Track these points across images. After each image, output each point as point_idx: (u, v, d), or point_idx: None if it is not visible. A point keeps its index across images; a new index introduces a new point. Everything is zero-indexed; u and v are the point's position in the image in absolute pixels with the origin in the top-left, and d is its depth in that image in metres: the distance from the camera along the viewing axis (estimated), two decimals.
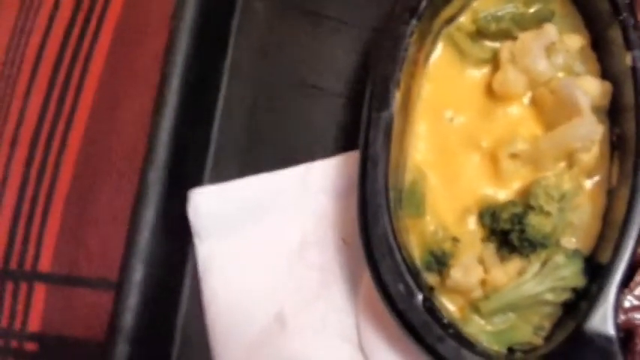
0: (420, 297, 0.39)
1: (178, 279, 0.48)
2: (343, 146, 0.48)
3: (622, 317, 0.40)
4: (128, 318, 0.44)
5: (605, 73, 0.45)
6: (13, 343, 0.51)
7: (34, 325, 0.50)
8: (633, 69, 0.41)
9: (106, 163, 0.52)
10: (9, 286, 0.52)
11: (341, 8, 0.52)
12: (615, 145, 0.43)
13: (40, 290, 0.51)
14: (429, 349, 0.39)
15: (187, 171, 0.49)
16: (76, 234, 0.51)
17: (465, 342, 0.39)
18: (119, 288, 0.45)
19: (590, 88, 0.43)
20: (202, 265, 0.47)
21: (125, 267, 0.45)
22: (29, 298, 0.51)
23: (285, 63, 0.51)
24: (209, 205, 0.47)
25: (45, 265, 0.51)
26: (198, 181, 0.50)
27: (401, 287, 0.39)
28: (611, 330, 0.38)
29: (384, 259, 0.40)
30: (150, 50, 0.53)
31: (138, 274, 0.45)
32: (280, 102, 0.51)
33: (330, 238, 0.47)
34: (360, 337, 0.45)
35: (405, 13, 0.43)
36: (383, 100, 0.42)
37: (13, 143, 0.54)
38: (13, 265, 0.52)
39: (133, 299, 0.44)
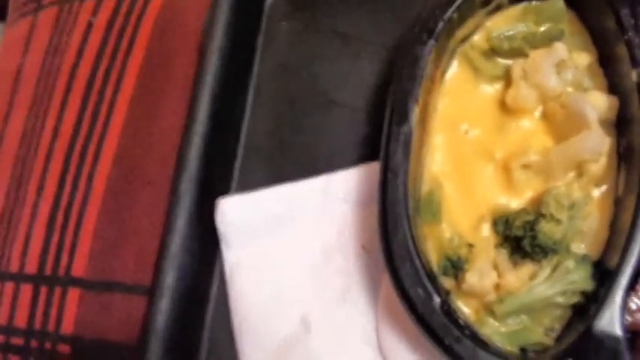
0: (437, 300, 0.41)
1: (207, 284, 0.51)
2: (363, 157, 0.51)
3: (629, 319, 0.42)
4: (160, 320, 0.47)
5: (613, 87, 0.47)
6: (47, 345, 0.53)
7: (67, 327, 0.53)
8: (639, 85, 0.44)
9: (138, 174, 0.54)
10: (43, 290, 0.54)
11: (360, 28, 0.54)
12: (622, 155, 0.45)
13: (73, 294, 0.53)
14: (446, 349, 0.41)
15: (215, 182, 0.51)
16: (110, 241, 0.53)
17: (481, 342, 0.41)
18: (152, 292, 0.48)
19: (598, 103, 0.46)
20: (229, 270, 0.50)
21: (158, 272, 0.48)
22: (63, 302, 0.53)
23: (308, 79, 0.54)
24: (236, 213, 0.50)
25: (79, 270, 0.53)
26: (225, 191, 0.52)
27: (420, 291, 0.41)
28: (618, 331, 0.40)
29: (403, 264, 0.42)
30: (181, 68, 0.56)
31: (170, 279, 0.47)
32: (303, 116, 0.53)
33: (351, 245, 0.49)
34: (380, 340, 0.47)
35: (423, 33, 0.46)
36: (402, 116, 0.44)
37: (49, 155, 0.57)
38: (48, 270, 0.54)
39: (165, 303, 0.47)
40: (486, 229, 0.46)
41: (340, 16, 0.55)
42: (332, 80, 0.53)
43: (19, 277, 0.55)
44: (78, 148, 0.56)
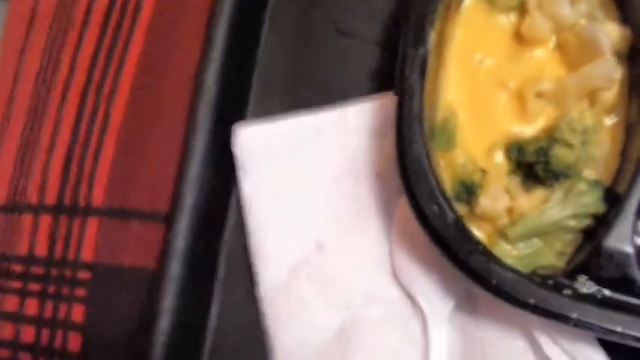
0: (452, 217, 0.42)
1: (223, 208, 0.52)
2: (378, 88, 0.51)
3: (638, 241, 0.43)
4: (180, 241, 0.48)
5: (625, 20, 0.47)
6: (67, 272, 0.54)
7: (87, 255, 0.54)
8: None
9: (155, 104, 0.55)
10: (63, 221, 0.55)
11: None
12: (633, 86, 0.46)
13: (92, 223, 0.54)
14: (460, 264, 0.42)
15: (232, 108, 0.52)
16: (127, 170, 0.54)
17: (494, 258, 0.42)
18: (171, 215, 0.49)
19: (611, 33, 0.46)
20: (245, 195, 0.51)
21: (177, 195, 0.49)
22: (82, 231, 0.54)
23: (323, 10, 0.54)
24: (252, 139, 0.51)
25: (97, 200, 0.55)
26: (241, 119, 0.53)
27: (435, 208, 0.42)
28: (628, 247, 0.41)
29: (418, 183, 0.43)
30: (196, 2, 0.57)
31: (188, 200, 0.48)
32: (318, 46, 0.54)
33: (365, 172, 0.50)
34: (393, 263, 0.48)
35: None
36: (419, 37, 0.44)
37: (66, 88, 0.58)
38: (67, 200, 0.56)
39: (184, 224, 0.48)
40: (499, 156, 0.47)
41: None
42: (347, 11, 0.54)
43: (38, 209, 0.56)
44: (95, 80, 0.57)
